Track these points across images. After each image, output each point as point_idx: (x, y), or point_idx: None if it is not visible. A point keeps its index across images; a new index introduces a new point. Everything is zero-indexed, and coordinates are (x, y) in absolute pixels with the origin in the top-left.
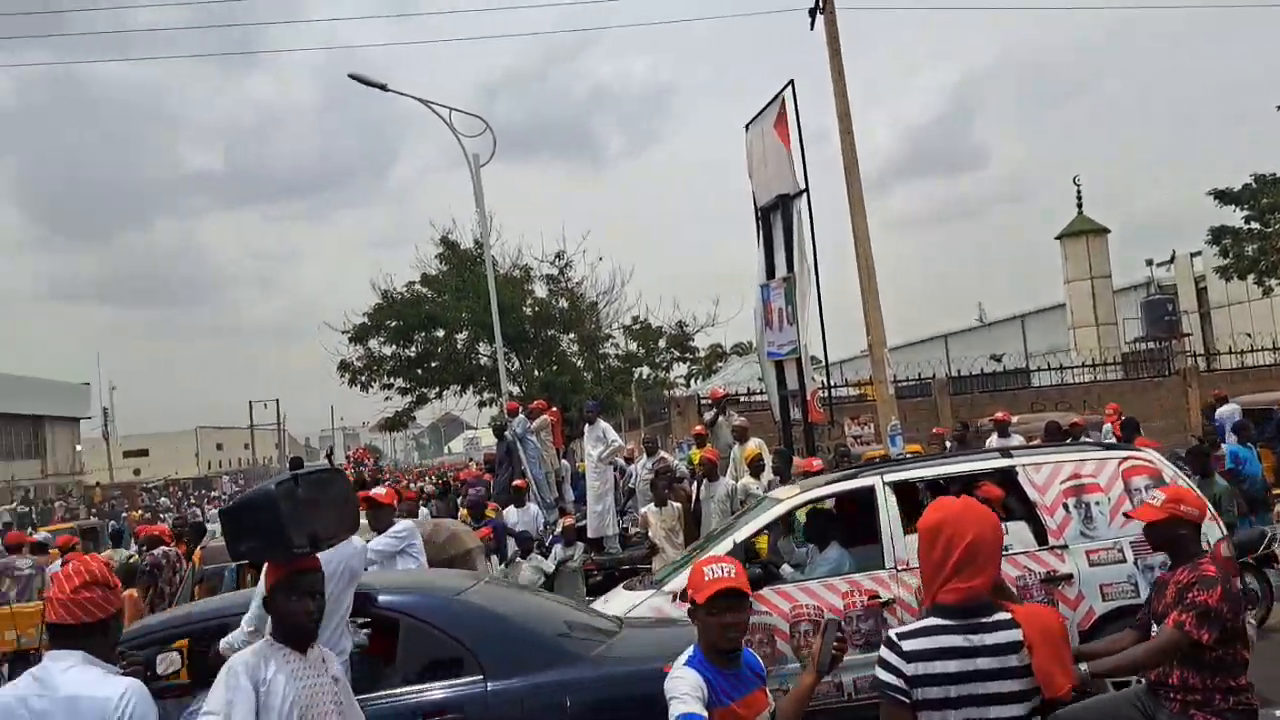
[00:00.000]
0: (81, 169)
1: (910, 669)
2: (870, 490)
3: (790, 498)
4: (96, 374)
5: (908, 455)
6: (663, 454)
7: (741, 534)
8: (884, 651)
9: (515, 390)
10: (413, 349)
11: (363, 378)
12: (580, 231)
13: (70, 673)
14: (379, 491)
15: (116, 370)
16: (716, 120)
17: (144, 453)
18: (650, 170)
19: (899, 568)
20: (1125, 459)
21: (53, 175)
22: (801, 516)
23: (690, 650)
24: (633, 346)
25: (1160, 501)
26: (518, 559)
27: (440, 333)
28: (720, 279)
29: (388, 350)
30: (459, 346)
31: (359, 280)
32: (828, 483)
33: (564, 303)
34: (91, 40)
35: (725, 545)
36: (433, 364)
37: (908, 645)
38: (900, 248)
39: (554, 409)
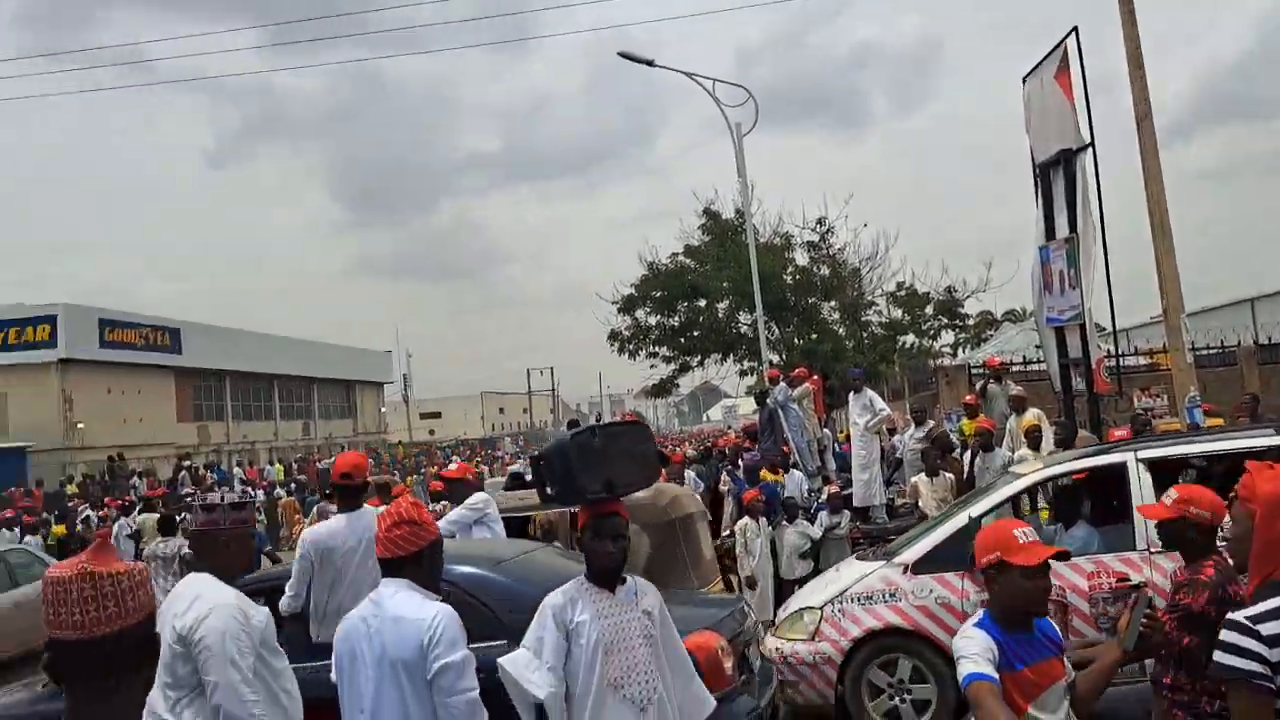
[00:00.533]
0: (380, 157)
1: (1274, 654)
2: (1122, 467)
3: (1032, 473)
4: (396, 342)
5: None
6: (932, 423)
7: (978, 508)
8: (1235, 636)
9: (775, 358)
10: (676, 318)
11: (630, 346)
12: (842, 197)
13: (397, 597)
14: (451, 469)
15: (413, 338)
16: (989, 74)
17: (437, 415)
18: (917, 131)
19: (1152, 550)
20: None
21: (357, 164)
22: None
23: (980, 612)
24: (897, 314)
25: (1172, 500)
26: (783, 523)
27: (702, 302)
28: (992, 242)
29: (653, 320)
30: (720, 315)
31: (627, 253)
32: (1075, 458)
33: (825, 270)
34: (386, 37)
35: (960, 520)
36: (695, 333)
37: (1266, 629)
38: (1198, 204)
39: (815, 377)
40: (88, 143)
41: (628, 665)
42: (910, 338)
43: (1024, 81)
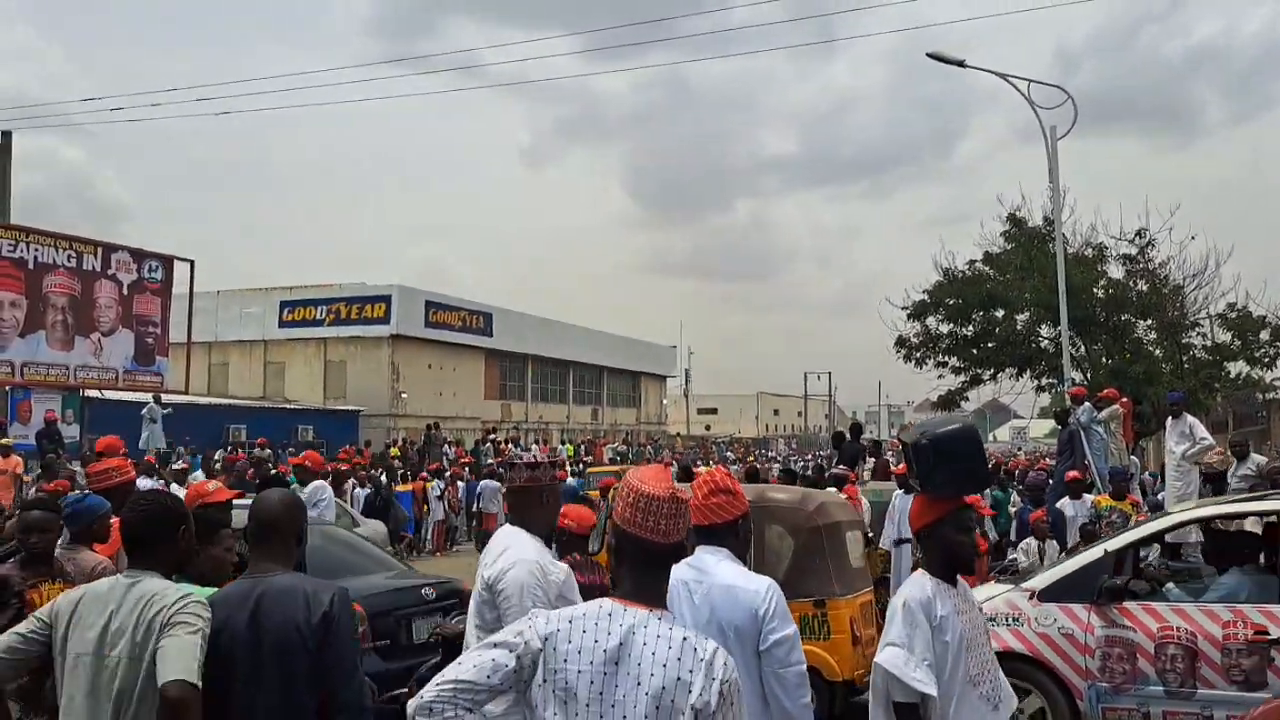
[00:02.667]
0: (678, 158)
1: None
2: (1276, 514)
3: (1179, 512)
4: (680, 338)
5: None
6: (1263, 458)
7: (1115, 543)
8: None
9: (1078, 377)
10: (970, 328)
11: (918, 354)
12: (1167, 208)
13: (721, 565)
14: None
15: (695, 336)
16: None
17: (713, 410)
18: (1260, 138)
19: None
20: None
21: (656, 164)
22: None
23: None
24: (1225, 337)
25: None
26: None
27: (1000, 313)
28: None
29: (944, 328)
30: (1019, 328)
31: (917, 258)
32: (1230, 501)
33: (1143, 285)
34: (694, 41)
35: (1095, 553)
36: (989, 344)
37: None
38: None
39: (1125, 399)
40: (422, 142)
41: (982, 662)
42: (1239, 365)
43: None
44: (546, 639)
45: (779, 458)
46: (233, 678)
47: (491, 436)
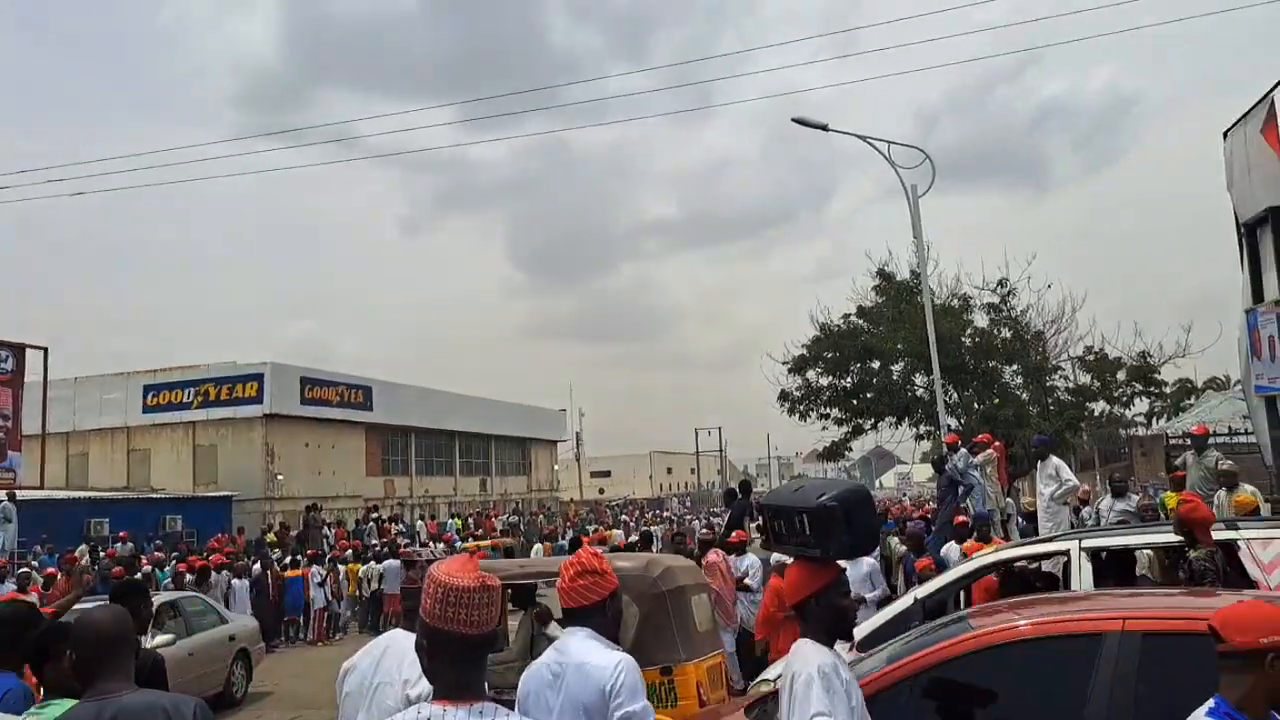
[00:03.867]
0: (560, 223)
1: None
2: (1065, 554)
3: (980, 556)
4: (570, 401)
5: None
6: (1138, 496)
7: (923, 590)
8: None
9: (954, 423)
10: (849, 380)
11: (800, 407)
12: (1025, 258)
13: (581, 644)
14: None
15: (585, 398)
16: (1184, 131)
17: (607, 473)
18: (1105, 191)
19: None
20: None
21: (537, 231)
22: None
23: (1212, 702)
24: (1085, 379)
25: None
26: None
27: (876, 364)
28: (1193, 304)
29: (824, 381)
30: (895, 378)
31: (797, 314)
32: (1023, 543)
33: (1007, 332)
34: (571, 110)
35: (906, 600)
36: (868, 395)
37: None
38: None
39: (998, 443)
40: (296, 217)
41: None
42: (1100, 405)
43: (1225, 137)
44: None
45: (674, 517)
46: None
47: (374, 515)
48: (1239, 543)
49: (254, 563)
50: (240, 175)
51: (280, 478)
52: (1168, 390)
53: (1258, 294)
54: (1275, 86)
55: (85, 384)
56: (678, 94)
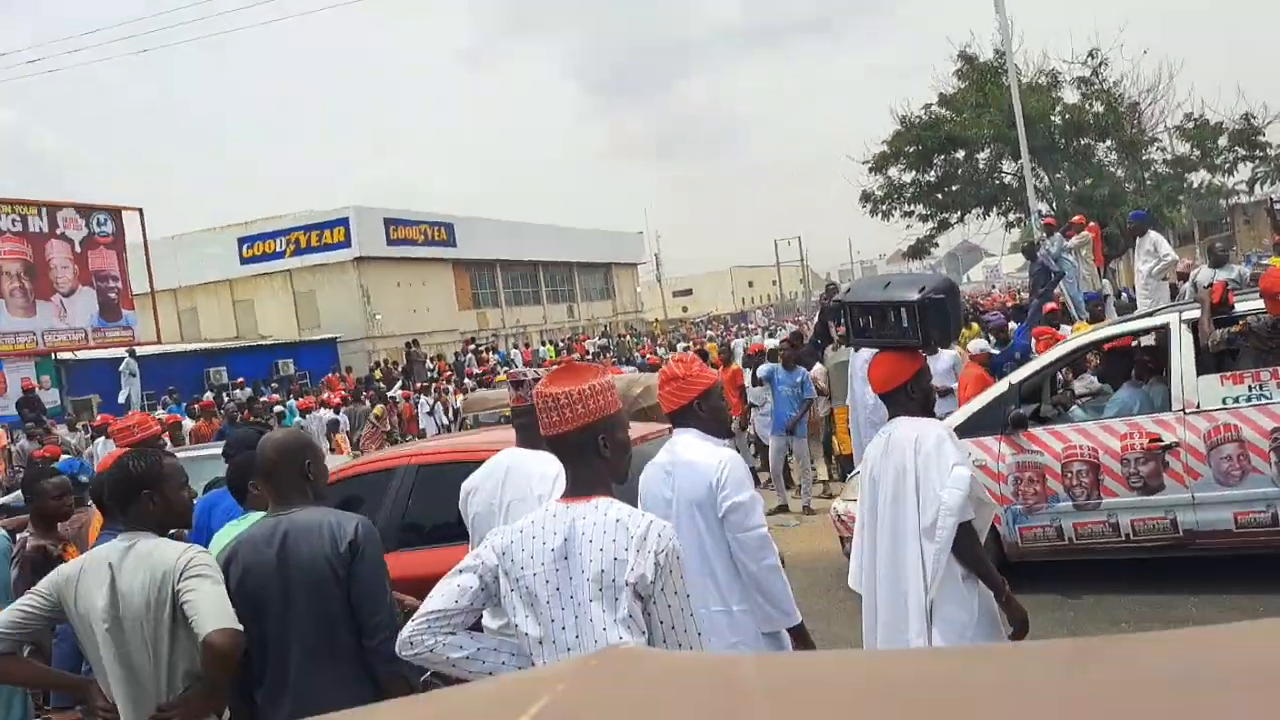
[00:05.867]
0: (628, 39)
1: None
2: (1165, 329)
3: (1078, 337)
4: (646, 224)
5: None
6: (1238, 266)
7: (1018, 374)
8: None
9: (1045, 208)
10: (933, 174)
11: (884, 206)
12: (1117, 24)
13: (688, 444)
14: None
15: (663, 218)
16: None
17: (689, 292)
18: None
19: (1186, 410)
20: None
21: (604, 48)
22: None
23: None
24: (1184, 149)
25: None
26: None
27: (961, 154)
28: None
29: (907, 177)
30: (981, 166)
31: (877, 113)
32: (1120, 321)
33: (1099, 106)
34: None
35: (1000, 387)
36: (954, 187)
37: None
38: None
39: (1093, 224)
40: (360, 58)
41: None
42: (1201, 175)
43: None
44: (504, 553)
45: (758, 329)
46: (265, 617)
47: (472, 346)
48: None
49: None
50: (306, 15)
51: (378, 317)
52: (1274, 152)
53: None
54: None
55: (183, 241)
56: None
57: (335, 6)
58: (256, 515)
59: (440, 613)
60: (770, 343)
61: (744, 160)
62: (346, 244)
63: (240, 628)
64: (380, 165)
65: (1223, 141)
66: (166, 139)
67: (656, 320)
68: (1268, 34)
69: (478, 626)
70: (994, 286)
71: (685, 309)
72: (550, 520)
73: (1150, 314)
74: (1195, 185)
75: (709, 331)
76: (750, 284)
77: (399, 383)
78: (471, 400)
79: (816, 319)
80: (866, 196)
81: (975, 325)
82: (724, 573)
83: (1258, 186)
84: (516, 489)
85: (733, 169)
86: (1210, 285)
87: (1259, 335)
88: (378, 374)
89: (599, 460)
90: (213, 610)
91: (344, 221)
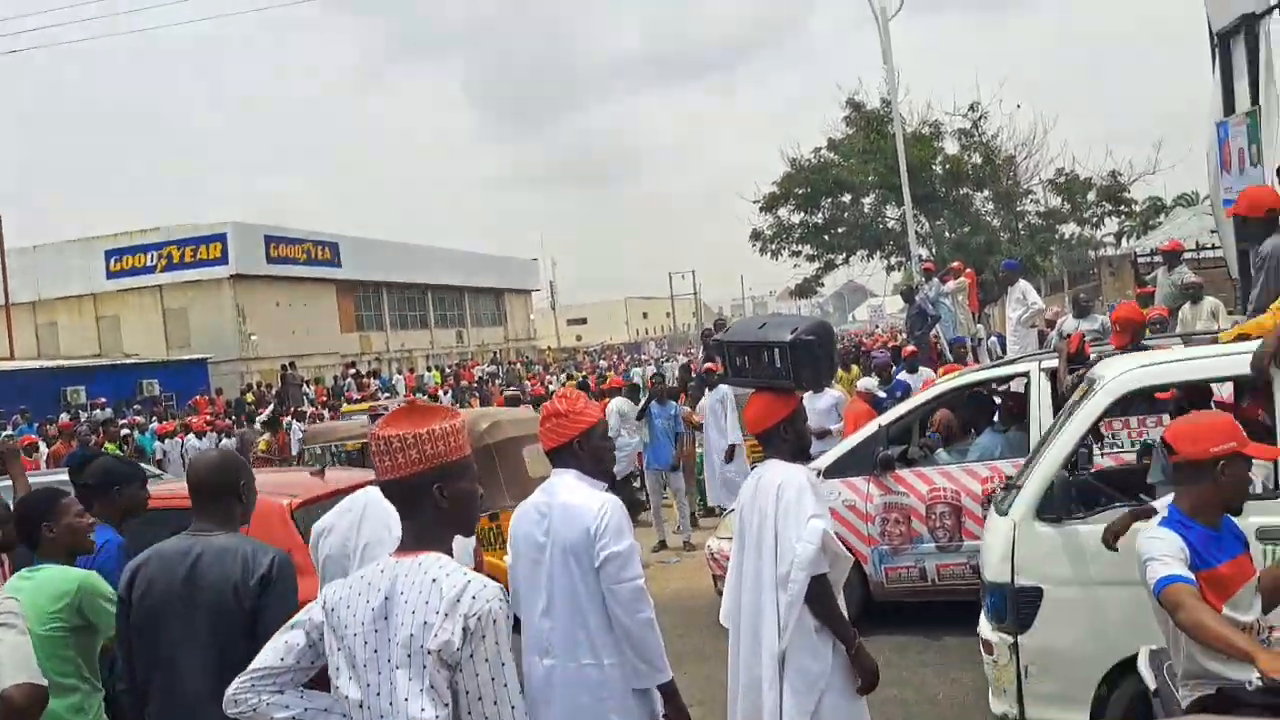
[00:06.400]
0: (522, 65)
1: None
2: (1026, 376)
3: (944, 381)
4: (541, 250)
5: None
6: (1101, 317)
7: (888, 416)
8: None
9: (925, 253)
10: (820, 215)
11: (773, 246)
12: (995, 81)
13: (565, 485)
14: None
15: (556, 246)
16: None
17: (583, 321)
18: (1080, 6)
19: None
20: None
21: (499, 74)
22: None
23: (1166, 510)
24: (1056, 202)
25: None
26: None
27: (847, 198)
28: (1162, 121)
29: (796, 218)
30: (866, 210)
31: (770, 151)
32: (984, 368)
33: (977, 158)
34: None
35: (871, 428)
36: (840, 230)
37: None
38: None
39: (969, 271)
40: (248, 69)
41: None
42: (1070, 227)
43: None
44: (332, 610)
45: (651, 359)
46: (162, 633)
47: (352, 371)
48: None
49: (236, 423)
50: (189, 24)
51: (254, 338)
52: (1138, 209)
53: (1229, 106)
54: None
55: (45, 251)
56: None
57: (220, 17)
58: (51, 569)
59: (265, 670)
60: (638, 371)
61: (640, 192)
62: (223, 260)
63: (43, 683)
64: (263, 182)
65: (1091, 196)
66: (33, 145)
67: (549, 348)
68: (1133, 101)
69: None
70: (877, 326)
71: (579, 337)
72: (377, 577)
73: (1013, 361)
74: (1066, 236)
75: (601, 361)
76: (645, 315)
77: (271, 407)
78: (315, 432)
79: (703, 353)
80: (756, 235)
81: (855, 367)
82: (596, 624)
83: (1123, 240)
84: (373, 531)
85: (629, 200)
86: (1068, 335)
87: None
88: (249, 397)
89: (435, 511)
90: (11, 662)
91: (221, 237)
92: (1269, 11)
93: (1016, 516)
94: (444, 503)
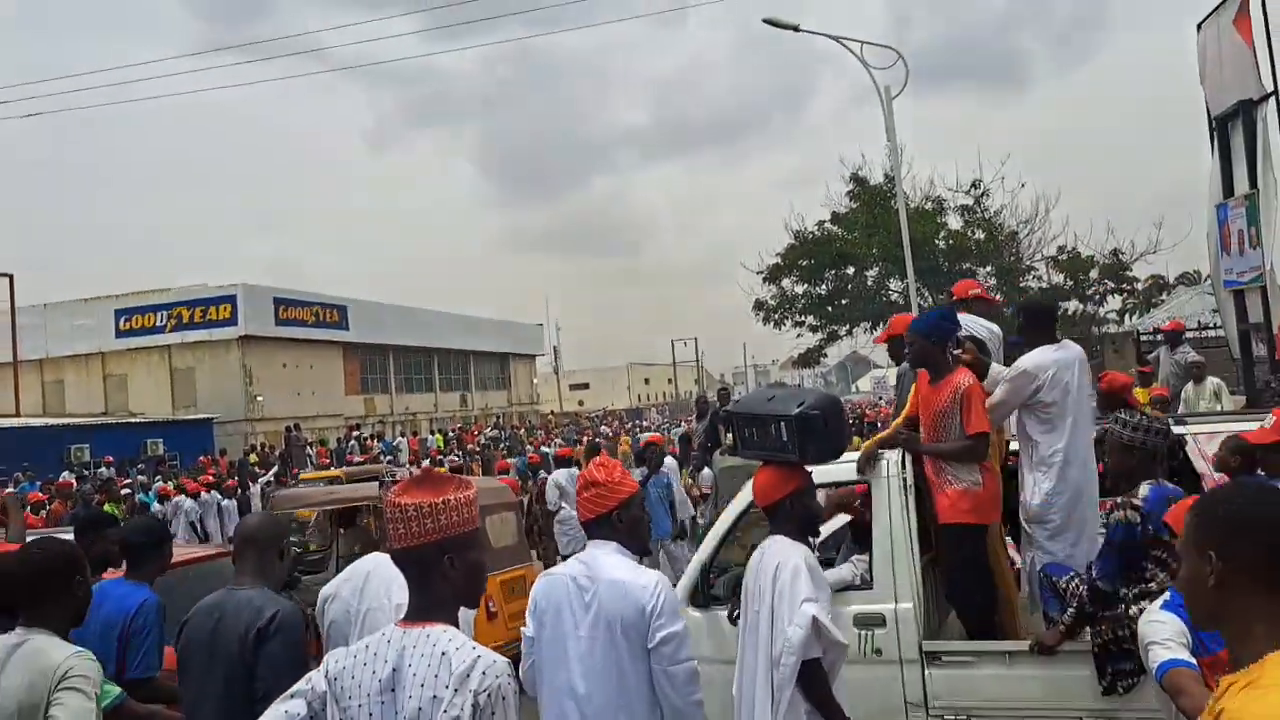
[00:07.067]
0: (533, 134)
1: None
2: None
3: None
4: (546, 315)
5: None
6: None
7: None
8: None
9: None
10: (823, 287)
11: (775, 316)
12: (998, 158)
13: (608, 559)
14: None
15: (561, 312)
16: (1158, 24)
17: (586, 386)
18: (1080, 87)
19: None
20: None
21: (509, 143)
22: None
23: (1168, 594)
24: (1059, 279)
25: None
26: None
27: (850, 270)
28: (1163, 201)
29: (799, 289)
30: (869, 283)
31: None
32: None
33: (980, 234)
34: (537, 15)
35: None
36: (843, 301)
37: None
38: None
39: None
40: (260, 134)
41: None
42: (1073, 304)
43: (1199, 29)
44: (335, 679)
45: (652, 427)
46: (190, 678)
47: (356, 433)
48: (1186, 437)
49: (239, 483)
50: (202, 91)
51: (260, 399)
52: (1140, 287)
53: (1228, 188)
54: None
55: (55, 310)
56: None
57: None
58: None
59: None
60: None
61: (645, 260)
62: (232, 322)
63: None
64: (270, 242)
65: (1094, 274)
66: (46, 204)
67: (551, 412)
68: (1134, 181)
69: None
70: (880, 398)
71: (582, 402)
72: (384, 646)
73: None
74: (1069, 313)
75: (603, 427)
76: (647, 381)
77: (275, 468)
78: (281, 499)
79: (705, 423)
80: (760, 305)
81: (857, 439)
82: (640, 705)
83: (1127, 317)
84: (374, 597)
85: (634, 268)
86: None
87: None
88: (253, 458)
89: (444, 582)
90: None
91: (231, 298)
92: (1266, 98)
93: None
94: (454, 574)
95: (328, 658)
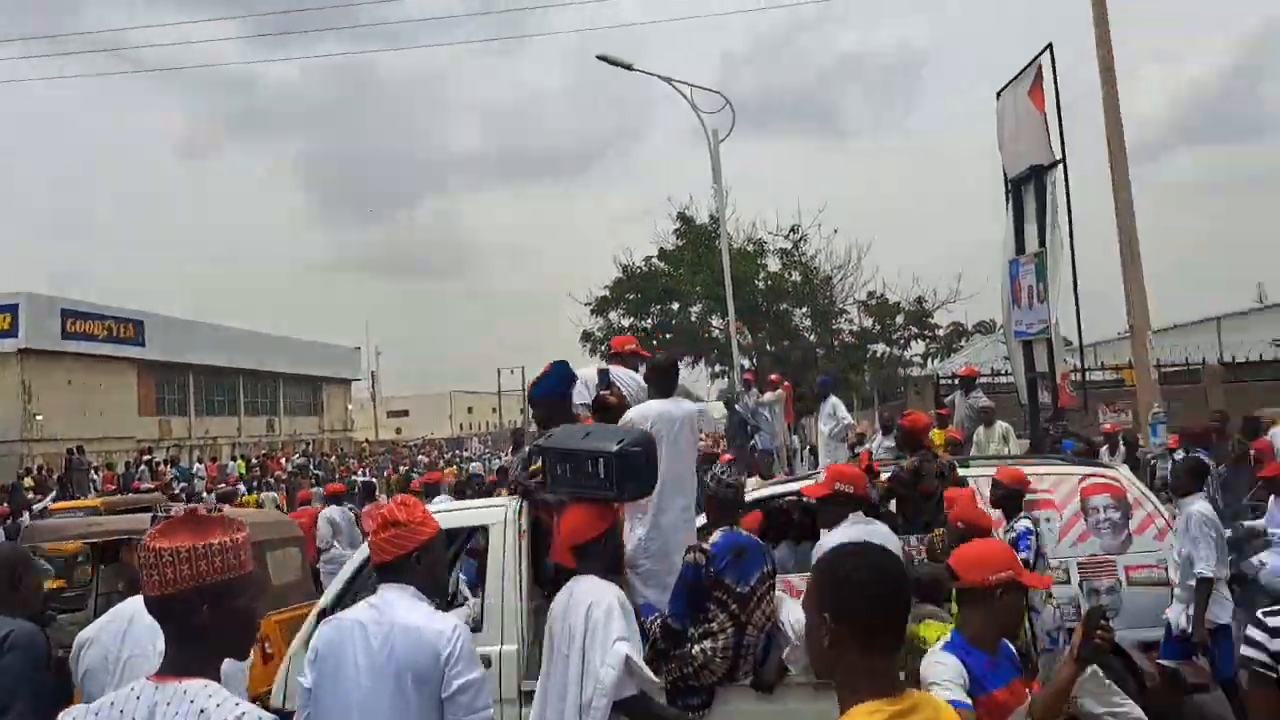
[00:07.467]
0: (357, 152)
1: (1275, 645)
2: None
3: (750, 493)
4: (365, 339)
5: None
6: None
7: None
8: (1250, 630)
9: (746, 363)
10: (649, 321)
11: (602, 347)
12: (816, 205)
13: (402, 604)
14: None
15: (383, 337)
16: (966, 89)
17: (405, 413)
18: (893, 142)
19: None
20: (1087, 475)
21: (334, 158)
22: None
23: (948, 635)
24: (868, 322)
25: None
26: None
27: (675, 305)
28: (964, 254)
29: (626, 322)
30: (693, 319)
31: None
32: (781, 482)
33: (797, 276)
34: (369, 31)
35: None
36: (668, 335)
37: (1273, 621)
38: (1166, 220)
39: (786, 383)
40: (57, 134)
41: None
42: (881, 347)
43: (998, 96)
44: None
45: (474, 457)
46: None
47: (147, 457)
48: (968, 480)
49: (11, 510)
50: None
51: (39, 418)
52: (941, 333)
53: (1020, 246)
54: (1043, 50)
55: None
56: (483, 22)
57: (27, 81)
58: None
59: None
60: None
61: (472, 287)
62: (12, 333)
63: None
64: (62, 252)
65: (900, 319)
66: None
67: (366, 440)
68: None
69: None
70: (702, 431)
71: (399, 430)
72: (132, 704)
73: (809, 476)
74: (877, 355)
75: (421, 456)
76: (470, 410)
77: (52, 493)
78: (37, 529)
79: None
80: (587, 336)
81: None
82: None
83: (929, 361)
84: (137, 644)
85: (460, 294)
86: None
87: (902, 482)
88: (28, 482)
89: (206, 633)
90: None
91: (12, 308)
92: (1054, 165)
93: (291, 651)
94: (217, 624)
95: (63, 715)
